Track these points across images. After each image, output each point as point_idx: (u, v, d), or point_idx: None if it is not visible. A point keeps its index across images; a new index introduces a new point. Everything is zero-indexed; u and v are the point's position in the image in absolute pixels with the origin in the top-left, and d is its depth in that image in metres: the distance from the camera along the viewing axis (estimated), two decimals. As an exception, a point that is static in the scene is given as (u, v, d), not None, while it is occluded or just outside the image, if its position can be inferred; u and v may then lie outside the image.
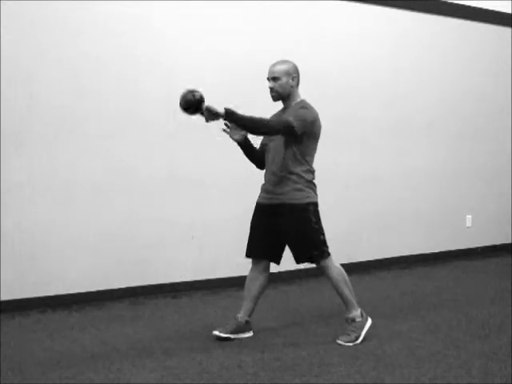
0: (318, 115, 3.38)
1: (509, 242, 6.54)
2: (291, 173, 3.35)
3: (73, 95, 4.27)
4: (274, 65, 3.40)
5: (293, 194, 3.34)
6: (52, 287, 4.25)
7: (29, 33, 4.13)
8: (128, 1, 4.42)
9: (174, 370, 2.96)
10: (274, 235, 3.43)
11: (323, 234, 3.39)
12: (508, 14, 6.35)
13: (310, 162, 3.41)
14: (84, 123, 4.32)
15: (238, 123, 3.23)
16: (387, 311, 4.05)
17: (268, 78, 3.40)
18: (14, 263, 4.11)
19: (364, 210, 5.55)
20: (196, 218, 4.75)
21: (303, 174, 3.36)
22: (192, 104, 3.10)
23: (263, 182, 3.51)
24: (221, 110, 3.12)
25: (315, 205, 3.40)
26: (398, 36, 5.72)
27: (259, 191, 3.52)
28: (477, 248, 6.32)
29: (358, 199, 5.51)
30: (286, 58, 3.46)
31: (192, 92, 3.11)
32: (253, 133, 3.35)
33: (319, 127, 3.41)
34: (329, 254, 3.39)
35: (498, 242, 6.48)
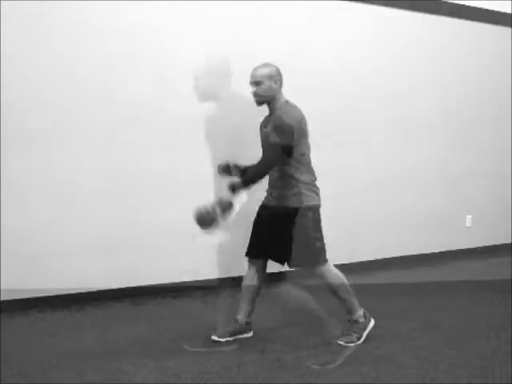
0: (301, 113, 3.32)
1: (509, 241, 6.54)
2: (289, 177, 3.32)
3: (73, 95, 4.27)
4: (255, 69, 3.35)
5: (291, 199, 3.32)
6: (52, 287, 4.25)
7: (29, 33, 4.12)
8: (129, 1, 4.42)
9: (174, 370, 2.96)
10: (274, 236, 3.39)
11: (320, 241, 3.33)
12: (508, 14, 6.34)
13: (305, 162, 3.36)
14: (84, 123, 4.31)
15: (250, 187, 3.29)
16: (387, 311, 4.05)
17: (250, 83, 3.36)
18: (14, 263, 4.10)
19: (364, 210, 5.55)
20: (196, 218, 4.74)
21: (301, 177, 3.32)
22: (209, 224, 3.20)
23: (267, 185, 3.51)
24: (231, 197, 3.22)
25: (315, 209, 3.34)
26: (398, 36, 5.71)
27: (261, 194, 3.52)
28: (477, 248, 6.32)
29: (357, 199, 5.50)
30: (269, 62, 3.41)
31: (207, 212, 3.18)
32: (265, 175, 3.38)
33: (306, 125, 3.35)
34: (325, 261, 3.35)
35: (498, 242, 6.48)
